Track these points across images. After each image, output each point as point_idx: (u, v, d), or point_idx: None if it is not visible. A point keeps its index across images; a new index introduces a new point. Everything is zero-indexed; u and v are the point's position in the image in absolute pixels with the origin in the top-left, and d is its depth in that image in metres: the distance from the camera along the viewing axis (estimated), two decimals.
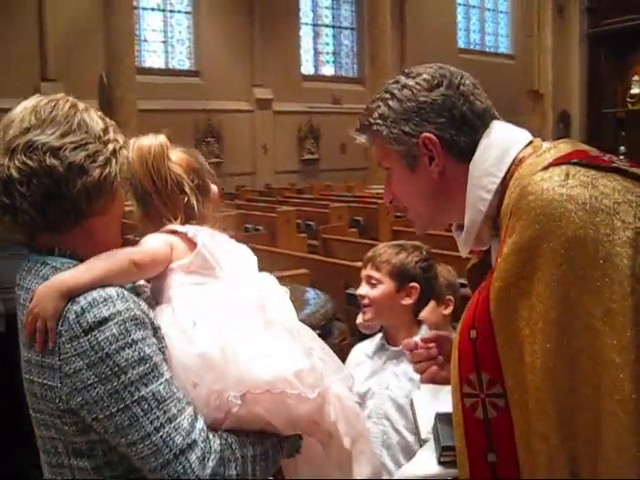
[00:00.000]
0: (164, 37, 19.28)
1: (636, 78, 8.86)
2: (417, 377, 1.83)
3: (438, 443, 1.54)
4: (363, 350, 2.79)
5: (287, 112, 19.36)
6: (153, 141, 1.68)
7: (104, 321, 1.38)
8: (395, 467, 2.48)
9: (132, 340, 1.39)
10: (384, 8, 17.79)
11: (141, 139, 1.69)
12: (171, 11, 19.40)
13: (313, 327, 1.90)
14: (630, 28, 8.71)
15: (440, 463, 1.52)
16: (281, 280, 1.79)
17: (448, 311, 2.89)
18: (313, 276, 5.14)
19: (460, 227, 1.62)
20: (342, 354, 2.46)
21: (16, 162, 1.41)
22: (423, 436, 1.76)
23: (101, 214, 1.52)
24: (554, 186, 1.32)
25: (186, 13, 19.56)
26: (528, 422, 1.31)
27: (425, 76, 1.58)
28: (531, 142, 1.54)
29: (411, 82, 1.58)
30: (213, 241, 1.66)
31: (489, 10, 26.94)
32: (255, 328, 1.55)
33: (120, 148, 1.55)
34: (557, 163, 1.39)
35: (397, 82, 1.61)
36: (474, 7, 26.34)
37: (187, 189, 1.68)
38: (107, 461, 1.43)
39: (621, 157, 1.42)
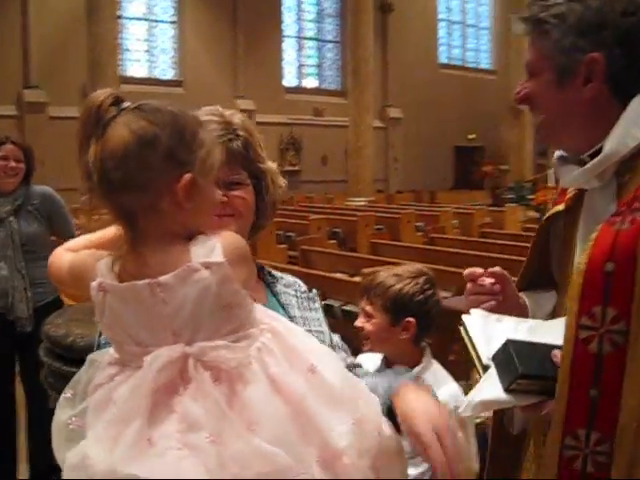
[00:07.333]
0: (147, 46, 19.34)
1: None
2: None
3: (509, 370, 1.40)
4: (369, 361, 2.51)
5: (269, 123, 19.42)
6: None
7: None
8: None
9: None
10: (367, 23, 17.98)
11: None
12: (155, 20, 19.46)
13: None
14: None
15: (508, 391, 1.39)
16: None
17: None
18: None
19: (564, 159, 1.58)
20: None
21: None
22: (485, 362, 1.59)
23: None
24: None
25: (170, 23, 19.62)
26: None
27: None
28: None
29: None
30: None
31: (471, 26, 27.26)
32: None
33: None
34: None
35: None
36: (456, 23, 26.64)
37: None
38: None
39: None
